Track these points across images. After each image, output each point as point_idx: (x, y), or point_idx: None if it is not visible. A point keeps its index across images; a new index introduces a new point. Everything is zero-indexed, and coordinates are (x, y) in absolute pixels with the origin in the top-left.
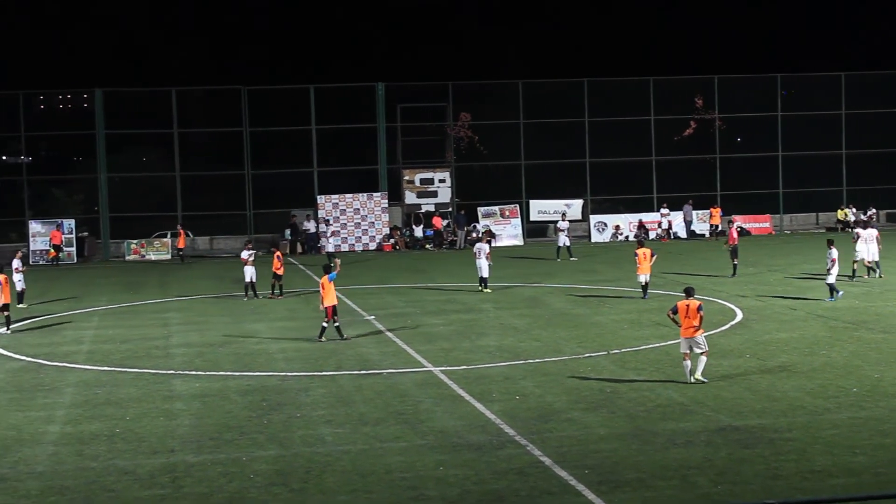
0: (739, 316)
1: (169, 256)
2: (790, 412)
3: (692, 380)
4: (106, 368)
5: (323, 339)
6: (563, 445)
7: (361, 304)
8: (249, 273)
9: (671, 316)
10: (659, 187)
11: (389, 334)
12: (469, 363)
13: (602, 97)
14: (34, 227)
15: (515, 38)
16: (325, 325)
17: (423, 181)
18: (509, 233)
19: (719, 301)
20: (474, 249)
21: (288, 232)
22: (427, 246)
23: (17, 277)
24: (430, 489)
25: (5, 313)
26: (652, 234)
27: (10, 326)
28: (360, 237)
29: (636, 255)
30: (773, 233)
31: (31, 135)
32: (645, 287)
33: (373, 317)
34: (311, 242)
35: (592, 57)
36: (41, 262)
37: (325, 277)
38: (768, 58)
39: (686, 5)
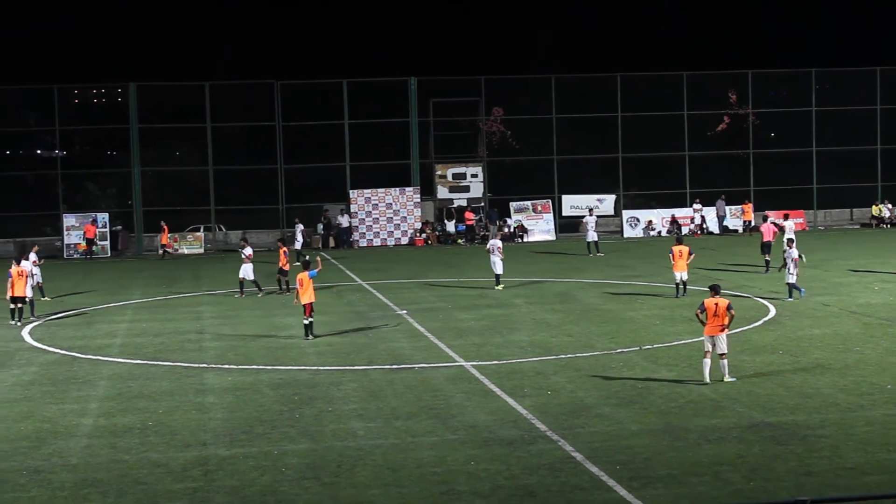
0: (772, 312)
1: (202, 251)
2: (823, 409)
3: (709, 380)
4: (139, 361)
5: (310, 336)
6: (594, 441)
7: (393, 298)
8: (245, 270)
9: (698, 314)
10: (692, 182)
11: (421, 329)
12: (500, 358)
13: (635, 92)
14: (68, 220)
15: (548, 32)
16: (306, 322)
17: (455, 176)
18: (541, 228)
19: (752, 297)
20: (488, 246)
21: (321, 226)
22: (459, 241)
23: (34, 271)
24: (462, 484)
25: (16, 305)
26: (685, 230)
27: (20, 319)
28: (393, 232)
29: (671, 252)
30: (807, 228)
31: (66, 129)
32: (678, 285)
33: (405, 311)
34: (344, 237)
35: (625, 52)
36: (75, 256)
37: (305, 274)
38: (803, 52)
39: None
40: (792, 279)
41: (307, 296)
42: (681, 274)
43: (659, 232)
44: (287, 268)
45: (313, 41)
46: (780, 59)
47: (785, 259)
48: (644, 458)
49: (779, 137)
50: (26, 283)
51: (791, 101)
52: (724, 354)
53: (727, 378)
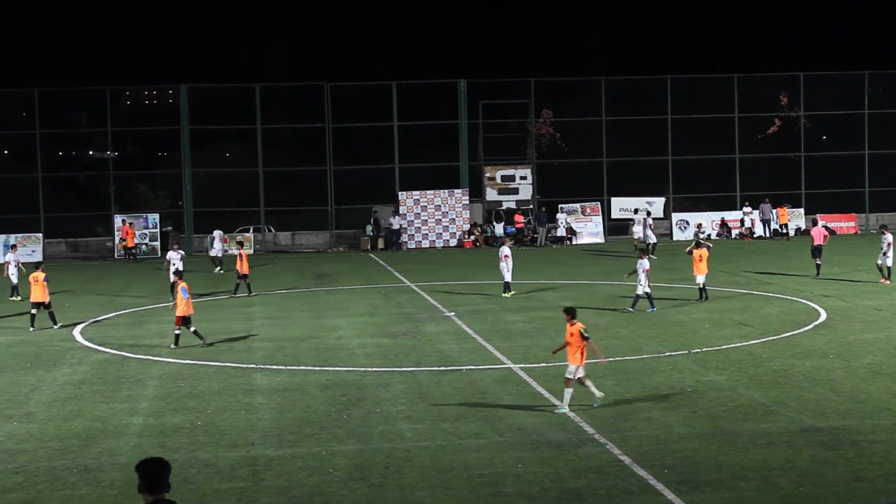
0: (823, 316)
1: (251, 251)
2: (875, 414)
3: (566, 409)
4: (188, 362)
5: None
6: (642, 444)
7: (442, 300)
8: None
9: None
10: (742, 185)
11: (469, 331)
12: (549, 360)
13: (685, 94)
14: (120, 221)
15: (598, 34)
16: (193, 331)
17: (504, 178)
18: (590, 230)
19: (803, 301)
20: (498, 253)
21: (369, 228)
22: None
23: (11, 271)
24: (509, 486)
25: (33, 311)
26: (734, 233)
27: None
28: (441, 233)
29: (691, 253)
30: (859, 232)
31: (118, 130)
32: (702, 289)
33: (453, 313)
34: (393, 238)
35: (676, 54)
36: (126, 257)
37: (185, 285)
38: (855, 54)
39: (771, 2)
40: (645, 290)
41: (188, 307)
42: (702, 277)
43: (709, 235)
44: (246, 271)
45: (363, 43)
46: (832, 62)
47: (636, 269)
48: (692, 462)
49: (831, 140)
50: (43, 288)
51: (843, 103)
52: (576, 378)
53: (599, 394)
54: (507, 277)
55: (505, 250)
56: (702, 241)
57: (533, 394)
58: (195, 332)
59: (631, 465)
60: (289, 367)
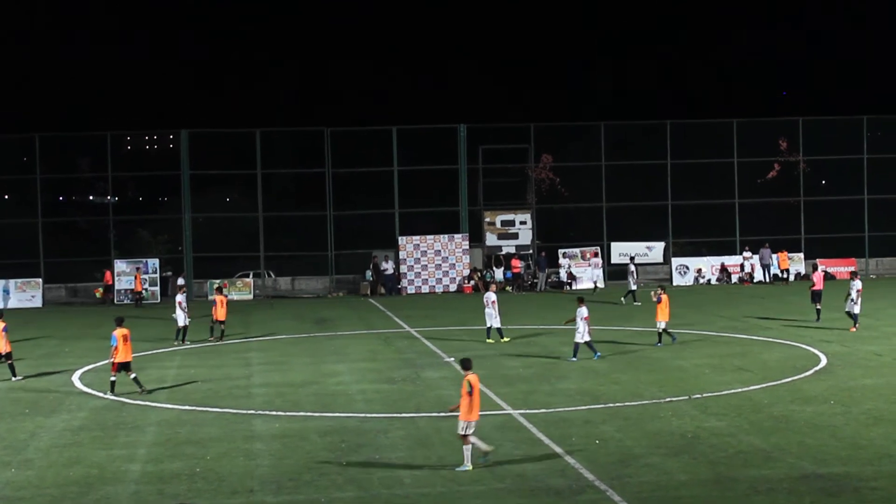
0: (824, 361)
1: (251, 297)
2: (876, 460)
3: (482, 460)
4: (187, 407)
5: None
6: (642, 491)
7: (441, 346)
8: (182, 318)
9: (467, 394)
10: (742, 230)
11: None
12: (548, 406)
13: (685, 139)
14: (119, 266)
15: (598, 79)
16: (133, 377)
17: (503, 223)
18: (590, 275)
19: (803, 346)
20: (483, 299)
21: (369, 273)
22: (507, 288)
23: None
24: None
25: (8, 361)
26: (734, 278)
27: (16, 375)
28: (441, 279)
29: (661, 300)
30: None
31: (118, 175)
32: (668, 333)
33: (452, 359)
34: (391, 284)
35: (675, 98)
36: (125, 301)
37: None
38: (854, 99)
39: (770, 47)
40: (586, 338)
41: (122, 354)
42: (665, 322)
43: (709, 280)
44: (222, 318)
45: (363, 88)
46: (831, 106)
47: (576, 318)
48: None
49: (830, 185)
50: (1, 338)
51: (842, 148)
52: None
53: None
54: (496, 323)
55: (491, 296)
56: (665, 287)
57: (533, 440)
58: (134, 378)
59: None
60: (288, 413)
